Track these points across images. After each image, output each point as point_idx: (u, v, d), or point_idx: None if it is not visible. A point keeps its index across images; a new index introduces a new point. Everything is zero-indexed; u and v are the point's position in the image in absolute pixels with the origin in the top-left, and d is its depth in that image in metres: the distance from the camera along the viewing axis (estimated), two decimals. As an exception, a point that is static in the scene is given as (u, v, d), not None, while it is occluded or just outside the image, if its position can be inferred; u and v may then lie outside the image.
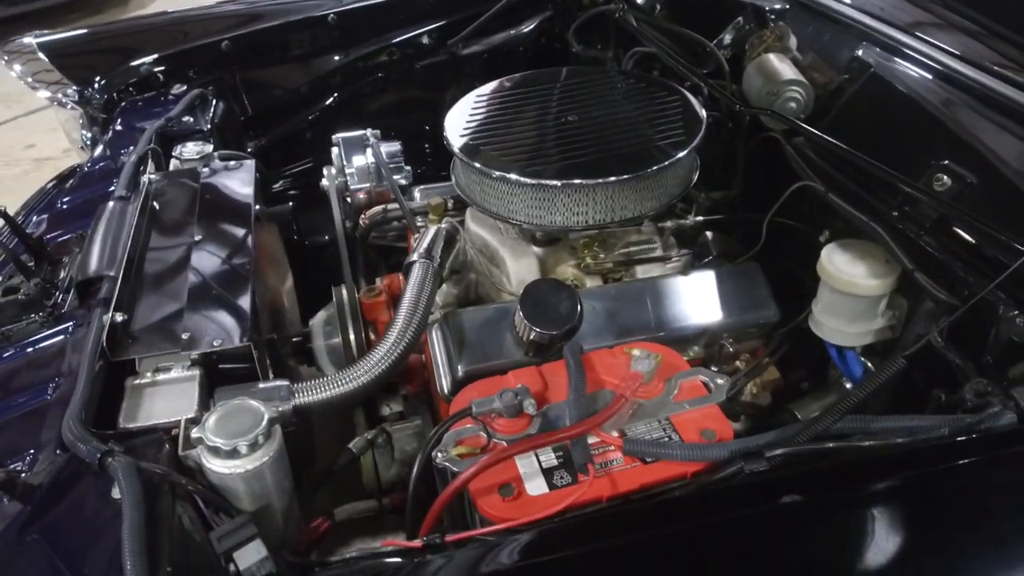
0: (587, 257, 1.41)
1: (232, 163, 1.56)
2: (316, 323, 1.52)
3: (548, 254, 1.45)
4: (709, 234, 1.52)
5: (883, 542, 0.70)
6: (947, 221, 1.06)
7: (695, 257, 1.50)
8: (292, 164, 2.07)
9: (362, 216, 1.71)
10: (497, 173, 1.30)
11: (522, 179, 1.28)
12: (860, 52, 1.34)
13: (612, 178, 1.26)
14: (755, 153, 1.50)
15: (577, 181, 1.26)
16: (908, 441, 0.81)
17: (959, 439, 0.80)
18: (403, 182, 1.73)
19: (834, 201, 1.23)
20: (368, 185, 1.74)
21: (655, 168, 1.27)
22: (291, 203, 1.97)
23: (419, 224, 1.55)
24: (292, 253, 1.84)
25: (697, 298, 1.35)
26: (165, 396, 1.06)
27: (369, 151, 1.74)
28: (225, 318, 1.15)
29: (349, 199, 1.76)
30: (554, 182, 1.26)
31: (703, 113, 1.40)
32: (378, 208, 1.68)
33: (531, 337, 1.18)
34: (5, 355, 1.15)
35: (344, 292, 1.50)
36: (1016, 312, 0.94)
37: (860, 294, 1.14)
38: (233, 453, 0.91)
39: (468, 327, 1.28)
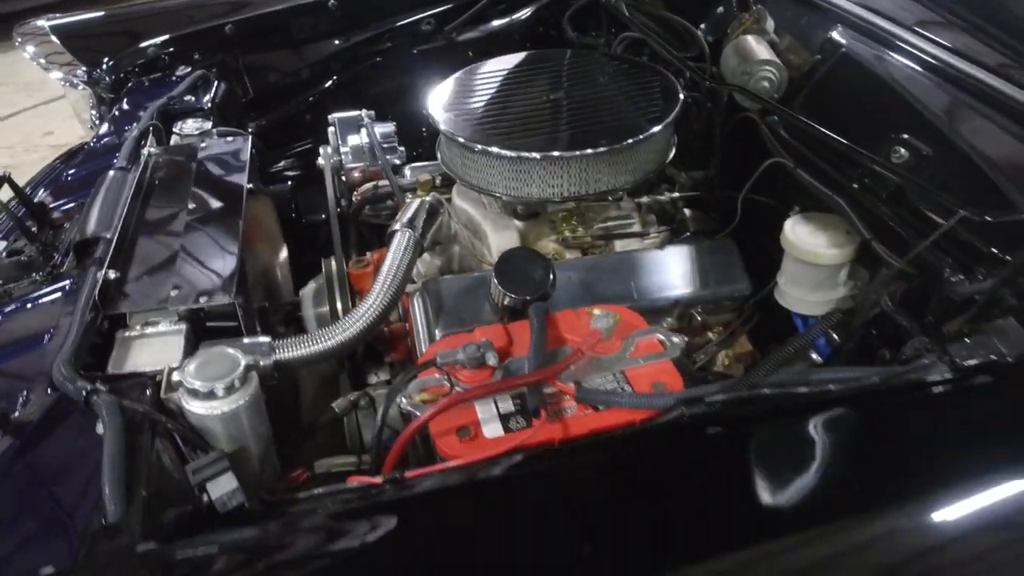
0: (566, 231, 1.46)
1: (229, 139, 1.63)
2: (306, 293, 1.58)
3: (529, 228, 1.50)
4: (687, 212, 1.56)
5: (804, 471, 0.75)
6: (903, 192, 1.10)
7: (672, 234, 1.55)
8: (292, 145, 2.14)
9: (355, 193, 1.77)
10: (479, 146, 1.36)
11: (500, 151, 1.33)
12: (833, 34, 1.37)
13: (588, 150, 1.31)
14: (733, 134, 1.54)
15: (554, 153, 1.31)
16: (841, 389, 0.85)
17: (889, 385, 0.84)
18: (396, 162, 1.78)
19: (801, 176, 1.27)
20: (362, 164, 1.80)
21: (629, 142, 1.31)
22: (290, 183, 2.04)
23: (408, 200, 1.60)
24: (290, 231, 1.90)
25: (671, 270, 1.40)
26: (152, 347, 1.12)
27: (364, 131, 1.80)
28: (213, 278, 1.20)
29: (344, 177, 1.82)
30: (530, 154, 1.31)
31: (681, 93, 1.45)
32: (369, 185, 1.74)
33: (505, 302, 1.23)
34: (6, 310, 1.22)
35: (333, 263, 1.56)
36: (961, 276, 0.98)
37: (820, 263, 1.18)
38: (210, 395, 0.97)
39: (447, 294, 1.34)
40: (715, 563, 0.69)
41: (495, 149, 1.33)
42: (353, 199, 1.77)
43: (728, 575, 0.69)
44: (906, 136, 1.12)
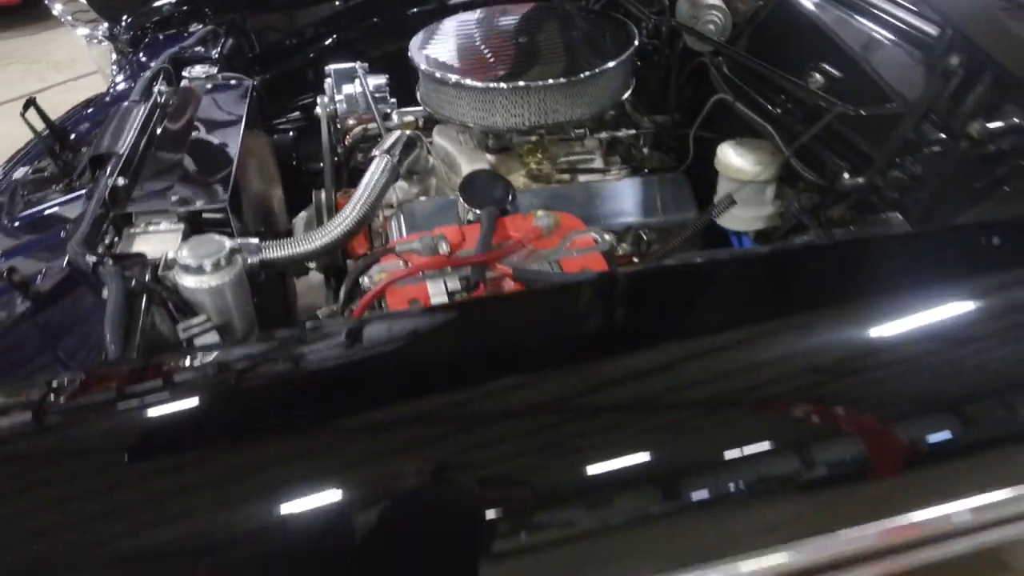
0: (532, 163, 1.60)
1: (233, 82, 1.79)
2: (298, 220, 1.74)
3: (500, 162, 1.64)
4: (646, 151, 1.70)
5: (713, 301, 0.89)
6: (818, 112, 1.23)
7: (633, 172, 1.68)
8: (293, 100, 2.30)
9: (347, 136, 1.93)
10: (452, 79, 1.51)
11: (470, 83, 1.48)
12: (776, -19, 1.50)
13: (549, 81, 1.45)
14: (690, 80, 1.68)
15: (518, 84, 1.46)
16: (731, 258, 0.98)
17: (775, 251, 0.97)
18: (387, 111, 1.94)
19: (738, 108, 1.41)
20: (357, 112, 1.96)
21: (584, 75, 1.46)
22: (291, 133, 2.21)
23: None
24: (290, 177, 2.07)
25: (627, 199, 1.54)
26: (153, 241, 1.28)
27: (358, 81, 1.96)
28: (209, 188, 1.37)
29: (339, 125, 1.98)
30: (495, 85, 1.46)
31: (636, 38, 1.59)
32: (359, 128, 1.90)
33: (469, 217, 1.38)
34: (28, 212, 1.39)
35: (323, 194, 1.72)
36: (858, 179, 1.11)
37: (746, 180, 1.31)
38: (199, 270, 1.13)
39: (420, 213, 1.49)
40: (643, 358, 0.82)
41: (466, 81, 1.48)
42: (345, 142, 1.93)
43: (656, 371, 0.81)
44: (823, 64, 1.25)
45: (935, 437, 0.83)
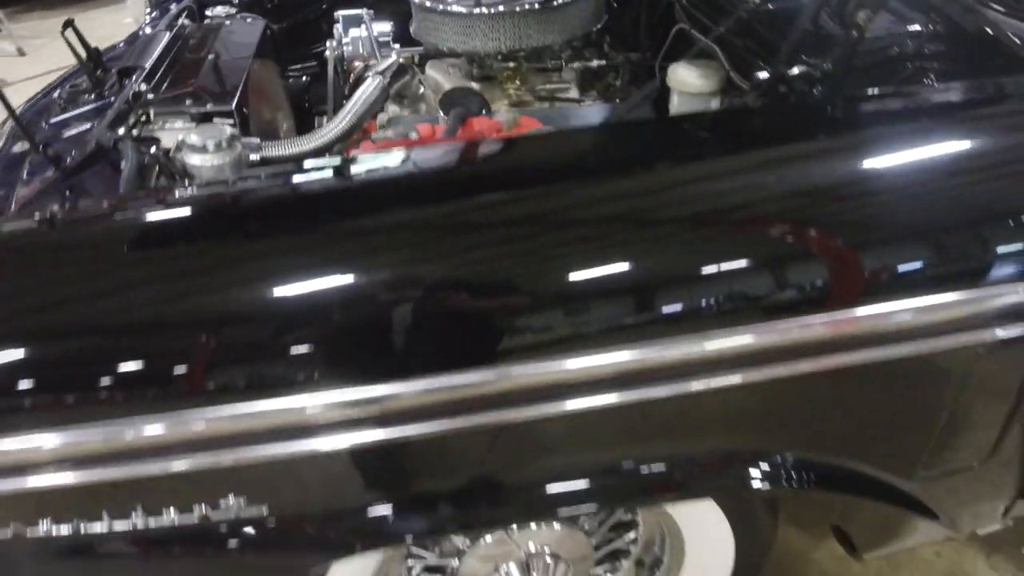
0: (511, 89, 1.76)
1: (249, 19, 1.99)
2: (303, 144, 1.92)
3: (483, 90, 1.80)
4: (619, 83, 1.85)
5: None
6: (750, 24, 1.38)
7: (606, 100, 1.84)
8: (307, 48, 2.49)
9: (351, 76, 2.11)
10: (440, 7, 1.68)
11: (452, 9, 1.65)
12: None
13: (525, 6, 1.62)
14: (662, 22, 1.83)
15: (497, 10, 1.62)
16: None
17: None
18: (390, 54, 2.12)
19: (692, 34, 1.55)
20: (361, 55, 2.14)
21: (556, 3, 1.62)
22: (304, 79, 2.40)
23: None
24: (302, 119, 2.26)
25: (594, 121, 1.69)
26: (169, 136, 1.47)
27: (364, 27, 2.14)
28: (220, 94, 1.56)
29: (346, 66, 2.16)
30: (474, 10, 1.62)
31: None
32: (361, 65, 2.08)
33: (448, 128, 1.55)
34: (64, 116, 1.59)
35: (324, 119, 1.90)
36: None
37: (693, 91, 1.46)
38: (203, 149, 1.31)
39: (407, 126, 1.66)
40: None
41: (450, 8, 1.65)
42: (350, 80, 2.11)
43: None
44: (760, -14, 1.40)
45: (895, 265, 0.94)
